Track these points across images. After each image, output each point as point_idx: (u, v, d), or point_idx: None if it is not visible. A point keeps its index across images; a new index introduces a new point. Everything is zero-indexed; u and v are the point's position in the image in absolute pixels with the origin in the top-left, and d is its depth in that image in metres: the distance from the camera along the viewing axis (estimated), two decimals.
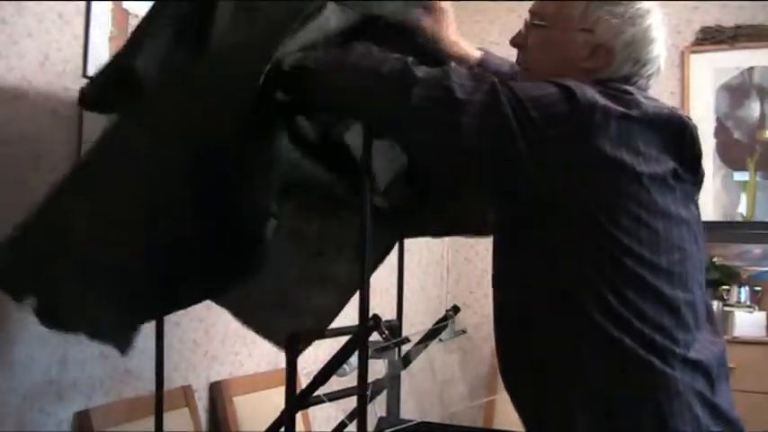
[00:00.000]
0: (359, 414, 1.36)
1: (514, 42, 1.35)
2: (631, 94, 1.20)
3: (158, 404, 1.62)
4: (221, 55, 1.36)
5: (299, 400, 1.68)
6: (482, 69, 1.46)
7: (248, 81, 1.23)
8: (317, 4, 1.30)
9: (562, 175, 1.16)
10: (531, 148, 1.13)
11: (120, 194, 1.33)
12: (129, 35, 1.56)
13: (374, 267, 1.66)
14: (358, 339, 1.40)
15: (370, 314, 1.51)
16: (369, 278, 1.35)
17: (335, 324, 1.78)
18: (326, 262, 1.71)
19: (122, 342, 1.36)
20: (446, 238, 3.75)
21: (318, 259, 1.72)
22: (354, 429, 1.87)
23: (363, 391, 1.34)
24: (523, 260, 1.25)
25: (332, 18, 1.33)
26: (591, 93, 1.16)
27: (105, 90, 1.50)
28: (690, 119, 1.25)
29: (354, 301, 1.67)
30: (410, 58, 1.21)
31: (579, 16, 1.28)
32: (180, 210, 1.31)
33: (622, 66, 1.26)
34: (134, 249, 1.32)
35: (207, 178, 1.28)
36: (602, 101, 1.15)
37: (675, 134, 1.21)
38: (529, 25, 1.33)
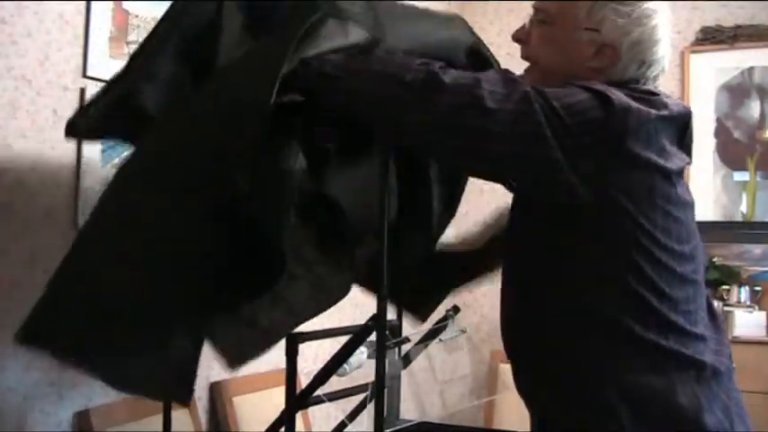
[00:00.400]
0: (376, 409, 1.34)
1: (516, 37, 1.34)
2: (657, 94, 1.22)
3: (166, 403, 1.64)
4: (227, 81, 1.31)
5: (299, 400, 1.68)
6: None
7: (257, 107, 1.18)
8: (318, 20, 1.27)
9: (597, 178, 1.16)
10: (565, 155, 1.13)
11: (140, 235, 1.27)
12: (127, 56, 1.54)
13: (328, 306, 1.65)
14: (378, 334, 1.38)
15: (370, 314, 1.51)
16: (386, 281, 1.35)
17: (336, 324, 1.78)
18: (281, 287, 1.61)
19: (183, 391, 1.32)
20: (446, 239, 3.74)
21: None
22: (354, 429, 1.88)
23: (381, 385, 1.34)
24: (550, 260, 1.24)
25: (337, 34, 1.29)
26: (623, 97, 1.16)
27: (106, 120, 1.45)
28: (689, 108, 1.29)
29: (353, 301, 1.68)
30: (438, 63, 1.19)
31: (585, 15, 1.27)
32: (203, 243, 1.27)
33: (628, 66, 1.26)
34: (162, 290, 1.26)
35: (223, 207, 1.25)
36: (634, 104, 1.15)
37: (685, 126, 1.25)
38: (533, 21, 1.32)
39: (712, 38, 3.36)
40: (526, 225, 1.29)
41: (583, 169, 1.14)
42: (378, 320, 1.35)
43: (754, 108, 3.32)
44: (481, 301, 3.74)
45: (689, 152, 1.28)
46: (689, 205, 1.25)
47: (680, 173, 1.22)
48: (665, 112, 1.19)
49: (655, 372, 1.17)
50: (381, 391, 1.35)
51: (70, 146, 1.79)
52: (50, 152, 1.75)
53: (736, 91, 3.34)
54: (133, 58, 1.45)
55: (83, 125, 1.50)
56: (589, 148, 1.14)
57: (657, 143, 1.18)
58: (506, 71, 1.23)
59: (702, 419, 1.16)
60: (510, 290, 1.34)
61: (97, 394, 1.86)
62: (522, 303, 1.32)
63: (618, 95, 1.15)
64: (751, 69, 3.32)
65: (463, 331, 2.03)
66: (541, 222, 1.24)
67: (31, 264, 1.71)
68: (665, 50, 1.29)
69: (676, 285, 1.20)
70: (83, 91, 1.82)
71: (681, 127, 1.24)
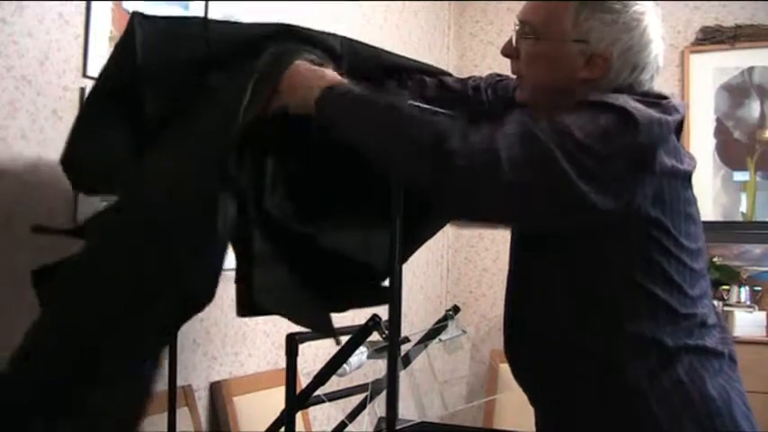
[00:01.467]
0: (388, 404, 1.34)
1: (505, 52, 1.32)
2: (667, 98, 1.21)
3: (171, 402, 1.65)
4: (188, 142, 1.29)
5: (299, 400, 1.68)
6: None
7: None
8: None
9: (629, 195, 1.15)
10: (597, 188, 1.10)
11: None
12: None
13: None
14: (390, 332, 1.38)
15: (370, 315, 1.52)
16: (399, 287, 1.35)
17: (336, 324, 1.78)
18: None
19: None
20: (446, 239, 3.75)
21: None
22: (355, 429, 1.88)
23: (394, 377, 1.34)
24: (569, 269, 1.24)
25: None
26: (643, 108, 1.14)
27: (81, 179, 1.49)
28: None
29: None
30: (451, 120, 1.14)
31: (571, 26, 1.24)
32: None
33: (620, 72, 1.24)
34: None
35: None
36: (656, 115, 1.14)
37: (682, 122, 1.26)
38: (519, 34, 1.29)
39: (712, 38, 3.36)
40: (540, 238, 1.27)
41: (615, 193, 1.13)
42: (391, 317, 1.33)
43: (753, 108, 3.32)
44: (481, 301, 3.74)
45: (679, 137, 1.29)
46: (695, 200, 1.27)
47: (691, 173, 1.25)
48: (677, 117, 1.19)
49: (687, 372, 1.20)
50: (395, 388, 1.35)
51: None
52: (50, 152, 1.75)
53: (736, 91, 3.34)
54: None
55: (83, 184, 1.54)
56: (623, 173, 1.13)
57: (675, 148, 1.20)
58: (523, 126, 1.14)
59: (731, 407, 1.20)
60: (523, 304, 1.33)
61: None
62: (538, 315, 1.29)
63: (638, 108, 1.13)
64: (751, 69, 3.32)
65: (463, 331, 2.03)
66: (564, 239, 1.23)
67: (31, 264, 1.71)
68: (658, 49, 1.27)
69: (695, 283, 1.23)
70: (83, 91, 1.82)
71: (680, 124, 1.25)
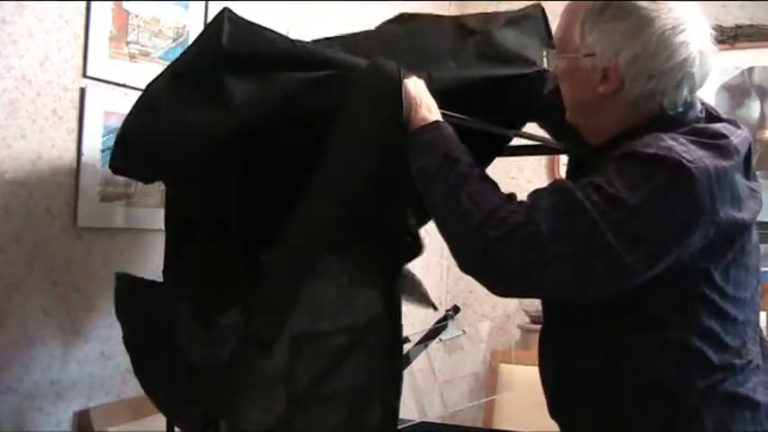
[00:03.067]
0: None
1: (552, 75, 1.31)
2: (726, 137, 1.13)
3: None
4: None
5: None
6: None
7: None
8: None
9: (679, 255, 1.08)
10: (645, 256, 1.05)
11: None
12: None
13: None
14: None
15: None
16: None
17: None
18: None
19: None
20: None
21: None
22: None
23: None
24: (605, 324, 1.20)
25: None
26: (697, 154, 1.07)
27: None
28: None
29: None
30: (504, 205, 1.10)
31: (579, 41, 1.20)
32: None
33: (635, 83, 1.16)
34: None
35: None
36: (710, 162, 1.07)
37: (749, 155, 1.19)
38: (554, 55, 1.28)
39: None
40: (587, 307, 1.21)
41: (665, 257, 1.07)
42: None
43: (754, 108, 3.32)
44: (481, 301, 3.74)
45: (749, 173, 1.19)
46: (758, 248, 1.22)
47: (754, 219, 1.16)
48: (738, 159, 1.12)
49: (713, 424, 1.15)
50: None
51: (70, 146, 1.79)
52: (50, 152, 1.75)
53: (736, 91, 3.34)
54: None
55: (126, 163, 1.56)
56: (675, 235, 1.06)
57: (734, 194, 1.11)
58: (563, 194, 1.10)
59: None
60: (563, 362, 1.30)
61: (97, 394, 1.86)
62: (573, 372, 1.27)
63: (693, 159, 1.05)
64: (751, 69, 3.32)
65: (463, 331, 2.03)
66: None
67: (31, 264, 1.71)
68: (687, 50, 1.16)
69: (732, 331, 1.17)
70: (83, 91, 1.82)
71: (747, 158, 1.17)
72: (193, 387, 1.48)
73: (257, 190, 1.50)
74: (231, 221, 1.54)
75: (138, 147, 1.45)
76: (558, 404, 1.32)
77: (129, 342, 1.61)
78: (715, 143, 1.11)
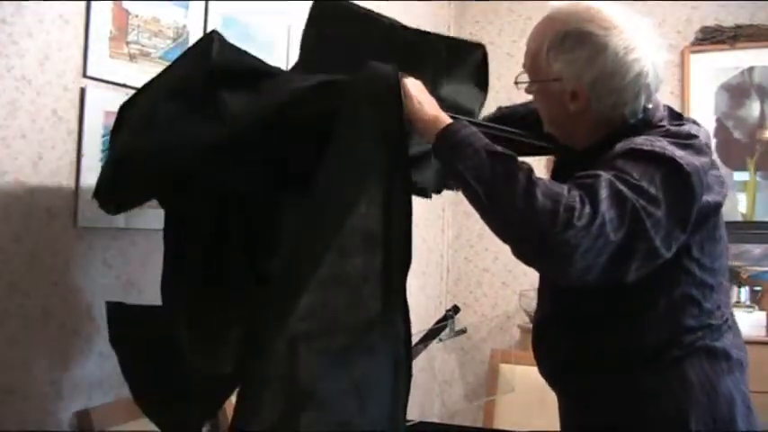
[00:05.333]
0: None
1: (527, 92, 1.43)
2: (697, 137, 1.30)
3: None
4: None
5: None
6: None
7: None
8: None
9: (683, 240, 1.25)
10: (663, 239, 1.20)
11: None
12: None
13: None
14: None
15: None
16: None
17: None
18: None
19: None
20: (446, 239, 3.75)
21: None
22: None
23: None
24: (605, 298, 1.31)
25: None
26: (686, 155, 1.23)
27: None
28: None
29: None
30: (567, 197, 1.17)
31: (546, 68, 1.35)
32: None
33: (602, 99, 1.32)
34: None
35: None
36: (697, 160, 1.24)
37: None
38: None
39: (712, 38, 3.36)
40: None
41: (676, 241, 1.23)
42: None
43: (753, 108, 3.32)
44: (481, 301, 3.74)
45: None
46: (723, 222, 1.37)
47: (723, 200, 1.33)
48: (710, 154, 1.29)
49: (696, 371, 1.31)
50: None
51: (70, 146, 1.79)
52: (50, 152, 1.75)
53: (736, 91, 3.34)
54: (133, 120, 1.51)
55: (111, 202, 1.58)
56: (681, 222, 1.22)
57: (709, 184, 1.27)
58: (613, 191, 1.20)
59: (734, 410, 1.31)
60: (562, 331, 1.43)
61: (97, 394, 1.86)
62: (576, 343, 1.40)
63: (682, 156, 1.22)
64: (751, 69, 3.32)
65: (463, 331, 2.03)
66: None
67: (31, 264, 1.71)
68: (640, 66, 1.31)
69: (709, 297, 1.33)
70: (83, 91, 1.82)
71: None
72: (194, 404, 1.50)
73: (256, 200, 1.52)
74: (232, 232, 1.55)
75: (140, 165, 1.46)
76: (558, 376, 1.46)
77: (126, 370, 1.62)
78: (690, 143, 1.27)
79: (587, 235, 1.13)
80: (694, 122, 1.40)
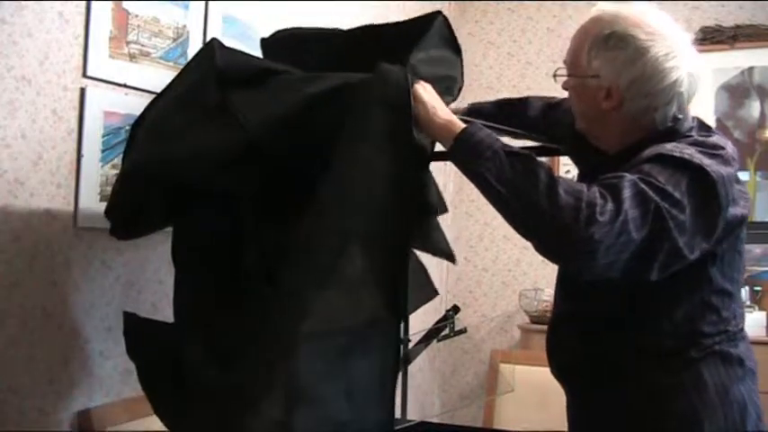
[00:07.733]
0: (402, 393, 1.36)
1: (564, 87, 1.46)
2: (724, 148, 1.33)
3: None
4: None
5: None
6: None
7: None
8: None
9: (707, 247, 1.27)
10: (688, 242, 1.22)
11: None
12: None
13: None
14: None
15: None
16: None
17: None
18: None
19: None
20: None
21: None
22: None
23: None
24: (624, 301, 1.35)
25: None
26: (712, 163, 1.26)
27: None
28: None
29: None
30: (590, 194, 1.19)
31: (586, 64, 1.38)
32: None
33: (635, 100, 1.35)
34: None
35: None
36: (723, 170, 1.26)
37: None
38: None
39: (712, 38, 3.36)
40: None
41: (698, 246, 1.25)
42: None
43: (753, 108, 3.33)
44: (481, 301, 3.74)
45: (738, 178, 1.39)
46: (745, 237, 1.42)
47: (747, 214, 1.37)
48: (735, 166, 1.32)
49: (711, 375, 1.33)
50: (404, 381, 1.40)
51: (70, 146, 1.79)
52: (50, 152, 1.75)
53: (736, 91, 3.34)
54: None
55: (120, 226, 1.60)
56: (706, 227, 1.25)
57: (734, 197, 1.30)
58: (637, 191, 1.22)
59: (746, 417, 1.33)
60: (577, 330, 1.45)
61: (97, 394, 1.86)
62: (591, 342, 1.41)
63: (708, 164, 1.24)
64: (751, 69, 3.32)
65: (463, 331, 2.02)
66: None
67: (31, 264, 1.71)
68: (677, 73, 1.34)
69: (728, 305, 1.37)
70: (83, 91, 1.82)
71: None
72: (207, 412, 1.50)
73: (269, 204, 1.51)
74: (247, 236, 1.54)
75: (156, 177, 1.47)
76: (570, 374, 1.48)
77: (143, 379, 1.62)
78: (718, 153, 1.30)
79: (610, 231, 1.15)
80: (720, 134, 1.44)
